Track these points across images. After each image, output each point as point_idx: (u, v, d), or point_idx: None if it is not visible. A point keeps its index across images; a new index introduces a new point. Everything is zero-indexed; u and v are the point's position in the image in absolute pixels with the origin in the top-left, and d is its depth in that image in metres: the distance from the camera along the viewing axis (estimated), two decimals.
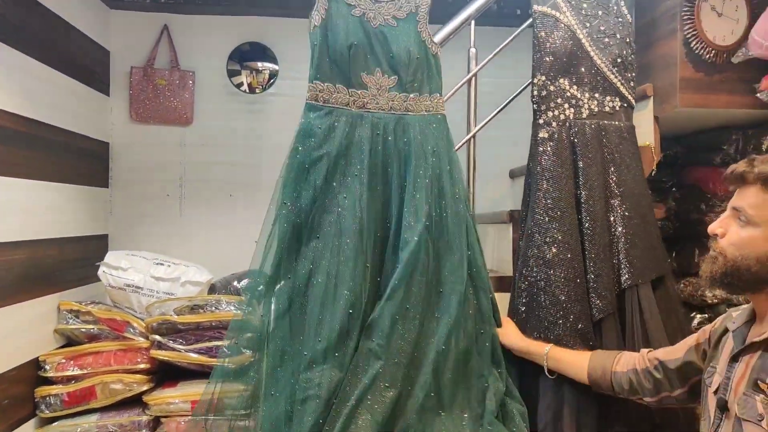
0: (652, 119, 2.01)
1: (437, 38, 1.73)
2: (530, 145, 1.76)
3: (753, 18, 1.84)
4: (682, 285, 2.17)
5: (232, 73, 2.70)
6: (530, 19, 1.81)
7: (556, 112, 1.73)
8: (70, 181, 2.24)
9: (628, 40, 1.83)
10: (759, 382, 1.08)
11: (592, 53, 1.77)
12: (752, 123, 2.02)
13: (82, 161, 2.38)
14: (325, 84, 1.55)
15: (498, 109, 2.00)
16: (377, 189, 1.53)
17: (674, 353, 1.36)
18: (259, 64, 2.71)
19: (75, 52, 2.30)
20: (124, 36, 2.63)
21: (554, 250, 1.64)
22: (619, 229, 1.68)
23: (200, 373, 1.99)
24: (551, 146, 1.71)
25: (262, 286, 1.50)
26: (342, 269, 1.45)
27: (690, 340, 1.34)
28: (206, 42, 2.67)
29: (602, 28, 1.80)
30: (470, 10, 1.89)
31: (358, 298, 1.43)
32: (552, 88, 1.73)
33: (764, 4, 1.81)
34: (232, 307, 2.05)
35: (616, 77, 1.79)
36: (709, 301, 2.03)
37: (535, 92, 1.75)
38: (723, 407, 1.16)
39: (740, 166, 1.13)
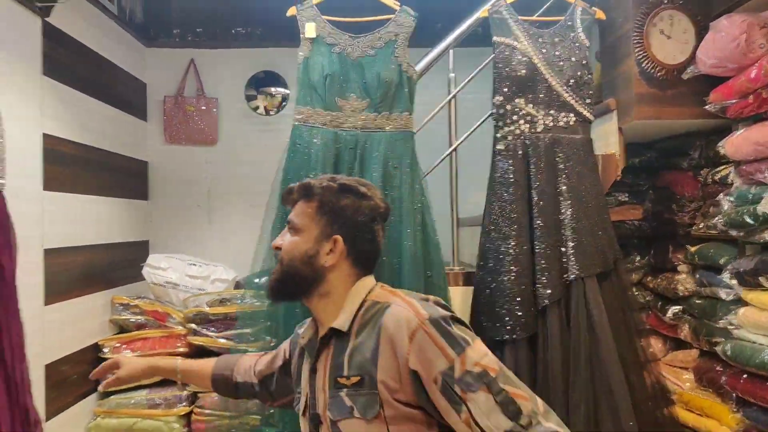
0: (616, 130, 2.20)
1: (419, 66, 2.03)
2: (491, 156, 2.03)
3: (699, 39, 2.01)
4: (658, 279, 2.36)
5: (249, 98, 3.09)
6: None
7: (512, 128, 2.00)
8: (116, 195, 2.65)
9: (584, 62, 2.06)
10: (338, 378, 1.12)
11: (547, 75, 2.05)
12: (714, 131, 2.16)
13: (125, 178, 2.79)
14: (306, 108, 1.87)
15: (476, 126, 2.24)
16: None
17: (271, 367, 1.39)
18: (273, 89, 3.09)
19: (117, 86, 2.72)
20: (157, 70, 3.05)
21: (506, 245, 1.90)
22: (568, 229, 1.91)
23: None
24: (506, 156, 1.98)
25: (257, 279, 1.83)
26: None
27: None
28: (227, 72, 3.07)
29: (557, 53, 2.07)
30: (448, 40, 2.17)
31: None
32: (508, 107, 2.00)
33: (708, 28, 1.98)
34: (255, 300, 2.43)
35: (570, 96, 2.03)
36: (681, 294, 2.22)
37: (494, 111, 2.02)
38: (316, 420, 1.16)
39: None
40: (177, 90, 3.03)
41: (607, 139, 2.23)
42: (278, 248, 1.21)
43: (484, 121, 2.21)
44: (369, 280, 1.21)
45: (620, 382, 1.82)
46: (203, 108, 3.02)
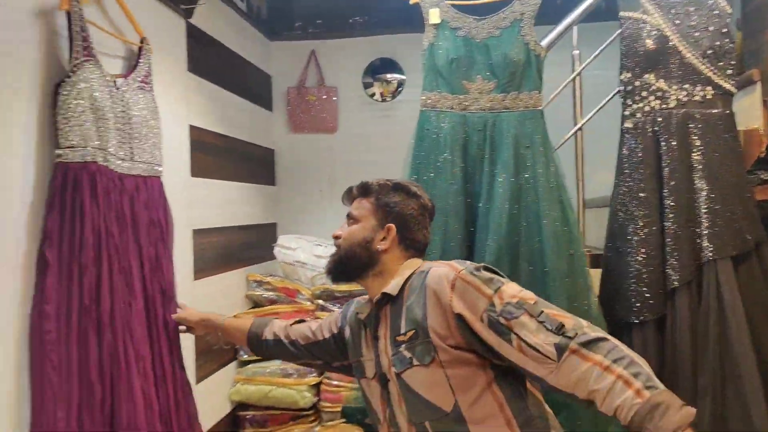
0: (759, 103, 2.04)
1: (544, 42, 2.00)
2: (619, 135, 1.99)
3: None
4: None
5: (366, 86, 3.19)
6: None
7: (642, 104, 1.94)
8: (248, 180, 2.86)
9: (724, 30, 1.94)
10: (396, 338, 1.26)
11: (681, 48, 1.95)
12: None
13: (255, 165, 3.00)
14: (433, 92, 1.92)
15: (602, 104, 2.19)
16: (475, 178, 1.86)
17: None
18: (389, 75, 3.17)
19: (247, 79, 2.91)
20: (281, 62, 3.22)
21: (634, 225, 1.86)
22: (702, 208, 1.83)
23: None
24: (634, 134, 1.92)
25: None
26: (446, 245, 1.81)
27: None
28: (345, 61, 3.18)
29: (692, 23, 1.96)
30: (573, 16, 2.12)
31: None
32: (637, 83, 1.94)
33: None
34: None
35: (707, 68, 1.93)
36: None
37: (622, 88, 1.97)
38: (384, 380, 1.30)
39: None
40: (299, 81, 3.19)
41: (749, 112, 2.09)
42: (337, 237, 1.39)
43: (611, 98, 2.16)
44: (417, 260, 1.37)
45: (751, 370, 1.73)
46: (324, 97, 3.16)
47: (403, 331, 1.25)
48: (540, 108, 1.92)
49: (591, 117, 2.18)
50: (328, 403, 2.52)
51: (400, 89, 3.16)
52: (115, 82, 1.51)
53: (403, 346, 1.24)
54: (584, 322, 1.10)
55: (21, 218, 1.31)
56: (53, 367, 1.25)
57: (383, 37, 3.14)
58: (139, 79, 1.62)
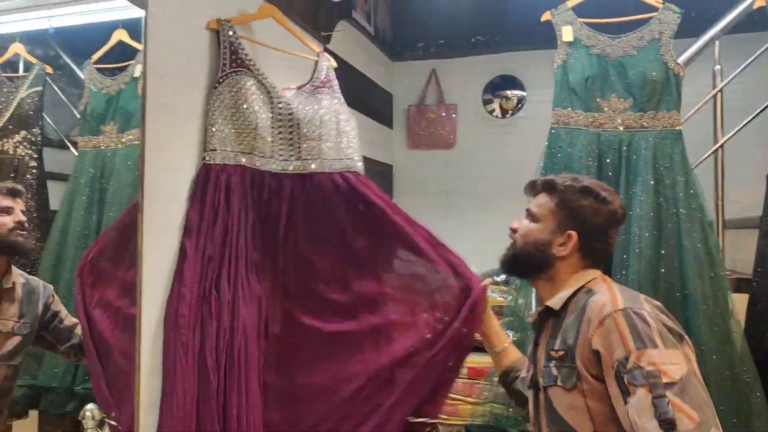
0: None
1: (681, 59, 1.96)
2: None
3: None
4: None
5: (485, 102, 3.23)
6: None
7: None
8: None
9: None
10: (550, 351, 1.23)
11: None
12: None
13: (375, 179, 3.05)
14: (566, 110, 1.92)
15: (748, 119, 2.10)
16: None
17: None
18: (509, 92, 3.20)
19: (371, 98, 3.06)
20: (402, 81, 3.35)
21: None
22: None
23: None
24: None
25: (496, 276, 1.93)
26: None
27: None
28: (465, 79, 3.25)
29: None
30: (714, 31, 2.08)
31: None
32: None
33: None
34: (496, 294, 2.54)
35: None
36: None
37: None
38: (536, 387, 1.29)
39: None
40: (419, 99, 3.30)
41: None
42: (514, 230, 1.36)
43: (758, 113, 2.05)
44: (593, 272, 1.29)
45: None
46: (443, 114, 3.24)
47: (556, 347, 1.23)
48: (679, 128, 1.87)
49: (734, 134, 2.09)
50: (445, 415, 2.55)
51: (520, 106, 3.17)
52: (277, 91, 1.58)
53: (554, 362, 1.22)
54: (713, 429, 1.00)
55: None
56: (184, 348, 1.28)
57: (504, 54, 3.18)
58: (316, 85, 1.68)
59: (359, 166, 1.63)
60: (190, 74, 1.49)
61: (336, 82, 1.71)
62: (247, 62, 1.52)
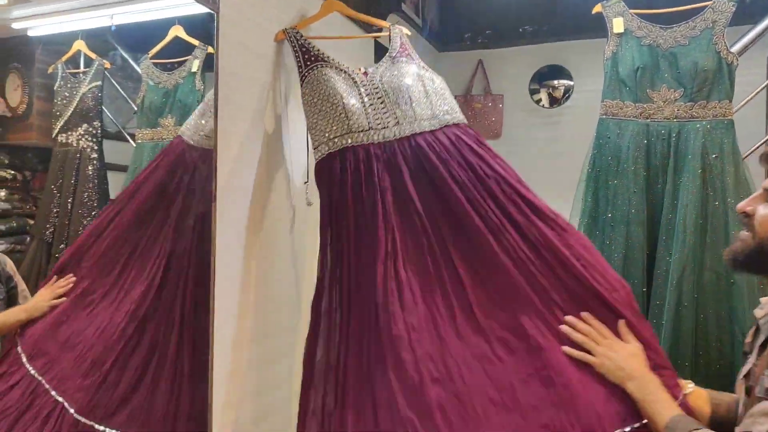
0: None
1: (735, 48, 1.91)
2: None
3: None
4: None
5: (532, 92, 3.20)
6: None
7: None
8: None
9: None
10: None
11: None
12: None
13: None
14: (615, 101, 1.91)
15: None
16: (657, 187, 1.83)
17: None
18: (556, 82, 3.16)
19: None
20: (449, 72, 3.33)
21: None
22: None
23: None
24: None
25: None
26: (628, 255, 1.80)
27: None
28: (512, 69, 3.23)
29: None
30: None
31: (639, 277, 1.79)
32: None
33: None
34: None
35: None
36: None
37: None
38: (748, 392, 1.07)
39: None
40: (466, 89, 3.29)
41: None
42: (747, 214, 1.08)
43: None
44: None
45: None
46: (490, 104, 3.23)
47: None
48: (730, 117, 1.84)
49: None
50: None
51: (567, 95, 3.13)
52: (355, 71, 1.59)
53: None
54: None
55: None
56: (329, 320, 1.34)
57: (552, 44, 3.14)
58: (393, 55, 1.65)
59: (459, 117, 1.55)
60: (257, 71, 1.56)
61: (411, 48, 1.68)
62: (320, 55, 1.55)
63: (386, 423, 1.16)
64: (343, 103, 1.47)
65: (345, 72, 1.54)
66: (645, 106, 1.87)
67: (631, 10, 1.92)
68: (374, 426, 1.18)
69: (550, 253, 1.25)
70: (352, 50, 2.13)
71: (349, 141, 1.45)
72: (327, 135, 1.47)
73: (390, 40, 1.72)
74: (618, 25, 1.89)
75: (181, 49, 1.97)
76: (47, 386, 1.53)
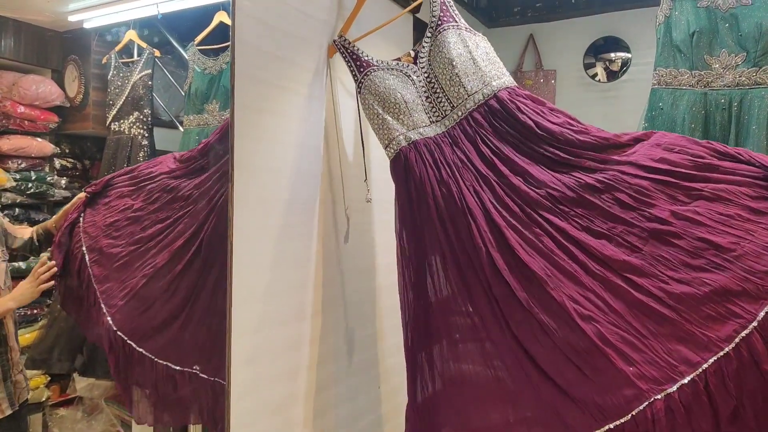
0: None
1: None
2: None
3: None
4: None
5: (587, 66, 3.06)
6: None
7: None
8: None
9: None
10: None
11: None
12: None
13: None
14: (668, 69, 1.80)
15: None
16: None
17: None
18: (612, 55, 3.00)
19: None
20: (498, 49, 3.21)
21: None
22: None
23: None
24: None
25: None
26: None
27: None
28: (565, 43, 3.10)
29: None
30: None
31: None
32: None
33: None
34: None
35: None
36: None
37: None
38: None
39: None
40: (516, 66, 3.19)
41: None
42: None
43: None
44: None
45: None
46: (541, 81, 3.12)
47: None
48: None
49: None
50: None
51: (625, 68, 2.97)
52: (406, 65, 1.62)
53: None
54: None
55: None
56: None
57: (607, 15, 2.98)
58: (435, 24, 1.63)
59: (507, 80, 1.56)
60: (279, 48, 1.57)
61: (453, 8, 1.66)
62: (371, 60, 1.62)
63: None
64: (405, 100, 1.54)
65: (396, 69, 1.59)
66: (703, 73, 1.76)
67: None
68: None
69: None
70: (393, 28, 2.10)
71: (416, 136, 1.50)
72: (395, 133, 1.52)
73: (431, 5, 1.68)
74: None
75: (226, 34, 2.00)
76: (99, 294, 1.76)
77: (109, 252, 1.78)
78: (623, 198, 1.27)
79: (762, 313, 1.10)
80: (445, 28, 1.59)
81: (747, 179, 1.19)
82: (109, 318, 1.72)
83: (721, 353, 1.11)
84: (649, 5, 2.80)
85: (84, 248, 1.80)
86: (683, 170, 1.25)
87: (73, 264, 1.78)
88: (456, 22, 1.61)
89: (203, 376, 1.63)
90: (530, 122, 1.42)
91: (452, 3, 1.66)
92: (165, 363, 1.68)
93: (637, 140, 1.35)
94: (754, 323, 1.10)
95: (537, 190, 1.36)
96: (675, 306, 1.16)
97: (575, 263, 1.27)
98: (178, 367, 1.67)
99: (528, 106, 1.47)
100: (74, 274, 1.79)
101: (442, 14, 1.62)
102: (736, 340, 1.10)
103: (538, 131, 1.41)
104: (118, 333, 1.71)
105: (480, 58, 1.56)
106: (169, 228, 1.74)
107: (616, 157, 1.34)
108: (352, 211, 1.87)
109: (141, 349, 1.69)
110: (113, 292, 1.74)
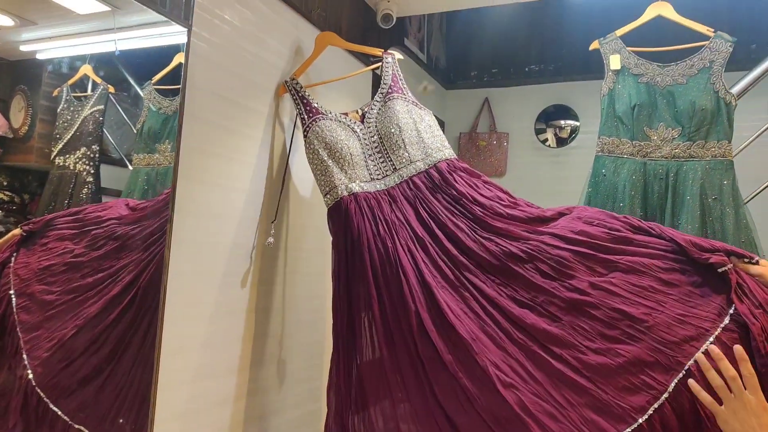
0: None
1: (736, 89, 1.89)
2: None
3: None
4: None
5: (538, 131, 3.19)
6: None
7: None
8: None
9: None
10: None
11: None
12: None
13: None
14: (611, 138, 1.88)
15: None
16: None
17: None
18: (562, 122, 3.14)
19: None
20: (455, 109, 3.36)
21: None
22: None
23: None
24: None
25: None
26: None
27: None
28: (518, 108, 3.23)
29: None
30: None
31: None
32: None
33: None
34: None
35: None
36: None
37: None
38: None
39: None
40: (471, 126, 3.29)
41: None
42: None
43: None
44: None
45: None
46: (494, 142, 3.22)
47: None
48: (730, 159, 1.80)
49: None
50: None
51: (573, 135, 3.11)
52: (353, 120, 1.66)
53: None
54: None
55: None
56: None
57: (558, 84, 3.15)
58: (385, 91, 1.68)
59: (447, 153, 1.62)
60: (231, 91, 1.57)
61: (403, 80, 1.73)
62: (320, 108, 1.65)
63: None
64: (351, 153, 1.58)
65: (345, 123, 1.63)
66: (642, 144, 1.84)
67: (629, 48, 1.91)
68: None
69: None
70: (350, 81, 2.14)
71: (358, 188, 1.53)
72: (337, 181, 1.54)
73: (382, 70, 1.73)
74: (615, 61, 1.88)
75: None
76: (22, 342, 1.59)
77: (42, 299, 1.66)
78: (544, 268, 1.31)
79: (672, 384, 1.12)
80: (395, 97, 1.66)
81: (658, 251, 1.24)
82: (29, 371, 1.58)
83: (635, 425, 1.12)
84: (596, 77, 2.94)
85: (12, 291, 1.68)
86: (600, 242, 1.29)
87: None
88: (404, 94, 1.70)
89: None
90: (465, 192, 1.49)
91: (402, 77, 1.74)
92: (78, 428, 1.51)
93: (561, 214, 1.42)
94: (665, 394, 1.12)
95: (466, 256, 1.39)
96: (591, 377, 1.17)
97: (500, 330, 1.28)
98: None
99: (463, 179, 1.54)
100: None
101: (393, 84, 1.69)
102: (649, 411, 1.12)
103: (470, 203, 1.47)
104: (36, 389, 1.57)
105: (424, 131, 1.64)
106: (111, 278, 1.66)
107: (540, 228, 1.38)
108: (293, 258, 1.85)
109: (56, 409, 1.54)
110: (39, 342, 1.62)
